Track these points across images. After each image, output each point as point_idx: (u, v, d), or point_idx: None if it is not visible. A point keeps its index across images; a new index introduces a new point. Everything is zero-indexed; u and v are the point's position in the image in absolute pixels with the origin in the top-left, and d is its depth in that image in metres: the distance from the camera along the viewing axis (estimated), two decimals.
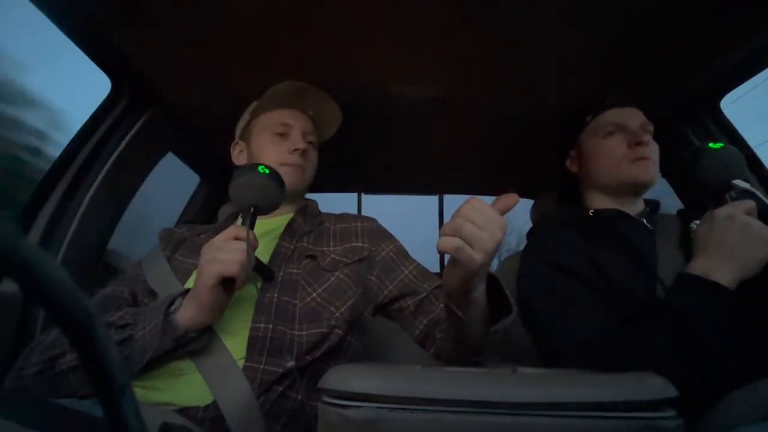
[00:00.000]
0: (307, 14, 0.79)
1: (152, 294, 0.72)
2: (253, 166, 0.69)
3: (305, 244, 0.80)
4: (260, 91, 0.86)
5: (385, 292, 0.79)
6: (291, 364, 0.65)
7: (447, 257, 0.52)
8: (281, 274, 0.73)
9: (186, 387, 0.62)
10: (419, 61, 0.93)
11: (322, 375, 0.37)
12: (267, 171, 0.68)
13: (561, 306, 0.72)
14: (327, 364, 0.69)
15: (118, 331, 0.62)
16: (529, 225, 1.01)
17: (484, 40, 0.86)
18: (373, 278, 0.80)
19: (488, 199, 0.52)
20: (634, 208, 0.86)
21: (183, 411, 0.60)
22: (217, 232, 0.64)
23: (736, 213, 0.65)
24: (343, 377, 0.35)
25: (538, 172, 1.31)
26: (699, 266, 0.66)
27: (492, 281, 0.59)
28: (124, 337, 0.61)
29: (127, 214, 1.09)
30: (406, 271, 0.80)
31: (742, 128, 1.04)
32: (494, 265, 0.56)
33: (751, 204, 0.67)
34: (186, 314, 0.61)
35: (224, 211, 1.19)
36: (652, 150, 0.84)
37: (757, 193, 0.70)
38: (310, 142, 0.89)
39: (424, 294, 0.77)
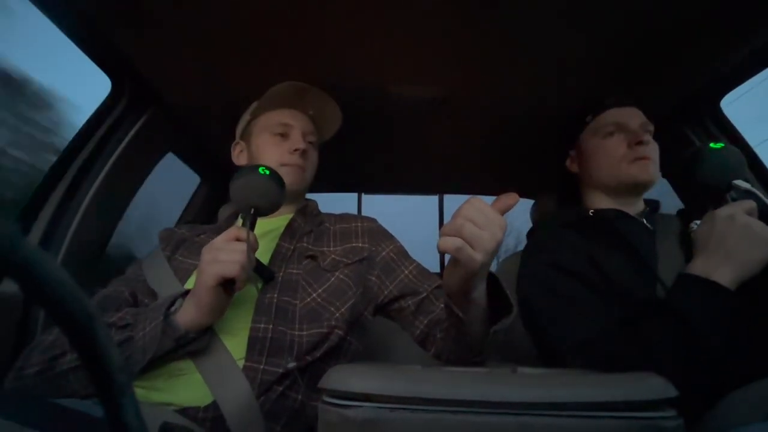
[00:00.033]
0: (307, 14, 0.79)
1: (152, 294, 0.72)
2: (253, 167, 0.69)
3: (305, 245, 0.80)
4: (260, 91, 0.86)
5: (386, 292, 0.79)
6: (292, 365, 0.65)
7: (447, 257, 0.52)
8: (281, 274, 0.73)
9: (186, 387, 0.62)
10: (419, 61, 0.93)
11: (323, 375, 0.37)
12: (268, 172, 0.68)
13: (561, 306, 0.72)
14: (327, 364, 0.69)
15: (119, 331, 0.62)
16: (527, 226, 1.01)
17: (484, 40, 0.86)
18: (374, 278, 0.80)
19: (488, 199, 0.52)
20: (635, 208, 0.86)
21: (183, 411, 0.60)
22: (218, 233, 0.64)
23: (737, 213, 0.65)
24: (343, 377, 0.35)
25: (538, 172, 1.31)
26: (699, 266, 0.66)
27: (492, 281, 0.59)
28: (124, 337, 0.61)
29: (134, 215, 1.09)
30: (407, 271, 0.80)
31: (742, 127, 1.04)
32: (493, 265, 0.56)
33: (751, 204, 0.67)
34: (186, 315, 0.61)
35: (224, 212, 1.19)
36: (652, 150, 0.84)
37: (758, 193, 0.70)
38: (310, 143, 0.89)
39: (425, 294, 0.77)
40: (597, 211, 0.86)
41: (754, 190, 0.70)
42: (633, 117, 0.86)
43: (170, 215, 1.46)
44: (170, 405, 0.60)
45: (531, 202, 1.25)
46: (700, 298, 0.63)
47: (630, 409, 0.32)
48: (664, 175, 0.88)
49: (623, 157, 0.84)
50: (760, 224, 0.64)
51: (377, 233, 0.86)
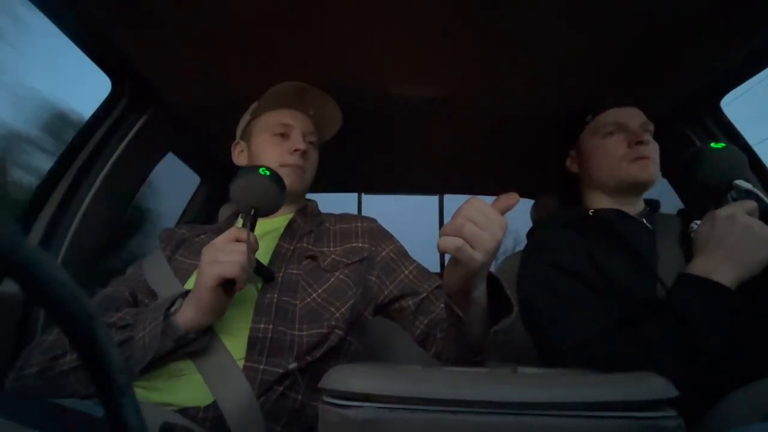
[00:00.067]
0: (307, 14, 0.79)
1: (152, 294, 0.72)
2: (254, 168, 0.69)
3: (305, 245, 0.80)
4: (260, 91, 0.86)
5: (386, 292, 0.79)
6: (293, 365, 0.65)
7: (447, 257, 0.52)
8: (281, 274, 0.73)
9: (186, 387, 0.62)
10: (419, 61, 0.93)
11: (323, 375, 0.37)
12: (268, 173, 0.68)
13: (561, 306, 0.72)
14: (327, 364, 0.69)
15: (119, 331, 0.62)
16: (525, 227, 1.01)
17: (484, 40, 0.86)
18: (374, 278, 0.80)
19: (488, 199, 0.52)
20: (635, 207, 0.86)
21: (183, 411, 0.60)
22: (218, 233, 0.64)
23: (737, 213, 0.65)
24: (343, 377, 0.35)
25: (538, 172, 1.31)
26: (699, 266, 0.66)
27: (492, 281, 0.59)
28: (124, 337, 0.61)
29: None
30: (407, 272, 0.80)
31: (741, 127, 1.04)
32: (493, 265, 0.56)
33: (752, 204, 0.66)
34: (186, 315, 0.61)
35: (224, 212, 1.19)
36: (653, 149, 0.84)
37: (759, 193, 0.70)
38: (310, 143, 0.89)
39: (425, 294, 0.77)
40: (597, 211, 0.86)
41: (754, 190, 0.70)
42: (633, 117, 0.86)
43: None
44: (170, 405, 0.60)
45: (531, 202, 1.25)
46: (700, 298, 0.63)
47: (630, 409, 0.32)
48: (664, 175, 0.88)
49: (623, 157, 0.84)
50: (761, 224, 0.64)
51: (377, 233, 0.85)
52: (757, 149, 1.03)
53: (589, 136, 0.90)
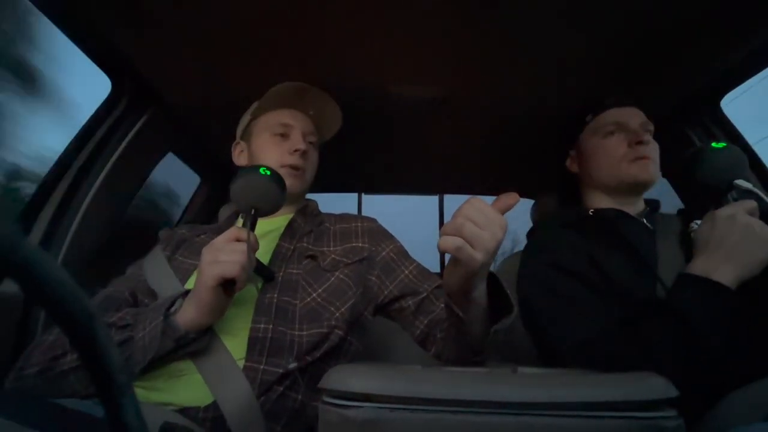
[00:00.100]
0: (307, 14, 0.79)
1: (152, 294, 0.72)
2: (254, 168, 0.69)
3: (305, 245, 0.80)
4: (260, 91, 0.86)
5: (386, 292, 0.79)
6: (293, 365, 0.65)
7: (447, 257, 0.52)
8: (281, 274, 0.73)
9: (186, 387, 0.62)
10: (419, 61, 0.93)
11: (323, 375, 0.37)
12: (268, 173, 0.68)
13: (561, 306, 0.72)
14: (327, 364, 0.69)
15: (119, 331, 0.62)
16: (524, 228, 1.01)
17: (484, 40, 0.86)
18: (374, 278, 0.80)
19: (488, 199, 0.52)
20: (635, 207, 0.86)
21: (183, 411, 0.60)
22: (218, 233, 0.64)
23: (738, 213, 0.65)
24: (343, 377, 0.35)
25: (538, 172, 1.31)
26: (700, 266, 0.66)
27: (492, 281, 0.59)
28: (124, 337, 0.61)
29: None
30: (407, 271, 0.80)
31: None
32: (493, 265, 0.56)
33: (752, 204, 0.66)
34: (186, 315, 0.61)
35: (225, 212, 1.19)
36: (653, 149, 0.84)
37: (759, 193, 0.70)
38: (310, 143, 0.89)
39: (425, 294, 0.77)
40: (597, 211, 0.86)
41: (755, 189, 0.70)
42: (633, 117, 0.86)
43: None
44: (170, 405, 0.60)
45: (531, 202, 1.26)
46: (700, 298, 0.63)
47: (630, 409, 0.32)
48: (664, 175, 0.88)
49: (623, 157, 0.84)
50: (761, 224, 0.64)
51: (377, 233, 0.86)
52: (756, 148, 1.03)
53: (589, 136, 0.90)
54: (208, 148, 1.30)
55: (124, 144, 1.01)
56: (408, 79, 0.99)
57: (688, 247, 0.74)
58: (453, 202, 1.81)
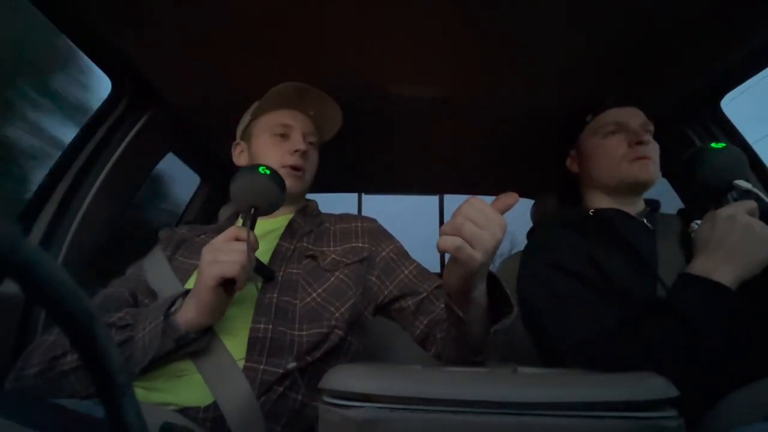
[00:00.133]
0: (307, 14, 0.79)
1: (152, 294, 0.72)
2: (254, 167, 0.69)
3: (305, 244, 0.80)
4: (260, 91, 0.86)
5: (386, 292, 0.79)
6: (292, 365, 0.65)
7: (447, 257, 0.52)
8: (281, 274, 0.73)
9: (186, 387, 0.62)
10: (419, 61, 0.93)
11: (323, 375, 0.37)
12: (268, 172, 0.68)
13: (561, 306, 0.72)
14: (327, 364, 0.69)
15: (119, 331, 0.62)
16: (522, 229, 1.01)
17: (484, 40, 0.86)
18: (374, 278, 0.80)
19: (488, 199, 0.52)
20: (635, 207, 0.86)
21: (183, 411, 0.60)
22: (218, 233, 0.64)
23: (738, 213, 0.65)
24: (343, 377, 0.35)
25: (538, 172, 1.32)
26: (700, 266, 0.66)
27: (492, 281, 0.59)
28: (124, 337, 0.61)
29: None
30: (407, 272, 0.80)
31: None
32: (493, 266, 0.56)
33: (752, 204, 0.66)
34: (186, 315, 0.61)
35: (225, 212, 1.19)
36: (653, 149, 0.84)
37: (759, 193, 0.70)
38: (310, 143, 0.89)
39: (425, 294, 0.77)
40: (597, 211, 0.86)
41: (755, 190, 0.70)
42: (633, 116, 0.86)
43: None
44: (170, 405, 0.60)
45: (531, 202, 1.26)
46: (700, 298, 0.63)
47: (630, 409, 0.32)
48: (664, 175, 0.88)
49: (623, 157, 0.84)
50: (761, 224, 0.64)
51: (377, 233, 0.86)
52: (756, 147, 1.03)
53: (589, 135, 0.90)
54: (208, 148, 1.30)
55: (124, 144, 1.01)
56: (408, 79, 0.99)
57: (688, 247, 0.74)
58: (453, 202, 1.81)
